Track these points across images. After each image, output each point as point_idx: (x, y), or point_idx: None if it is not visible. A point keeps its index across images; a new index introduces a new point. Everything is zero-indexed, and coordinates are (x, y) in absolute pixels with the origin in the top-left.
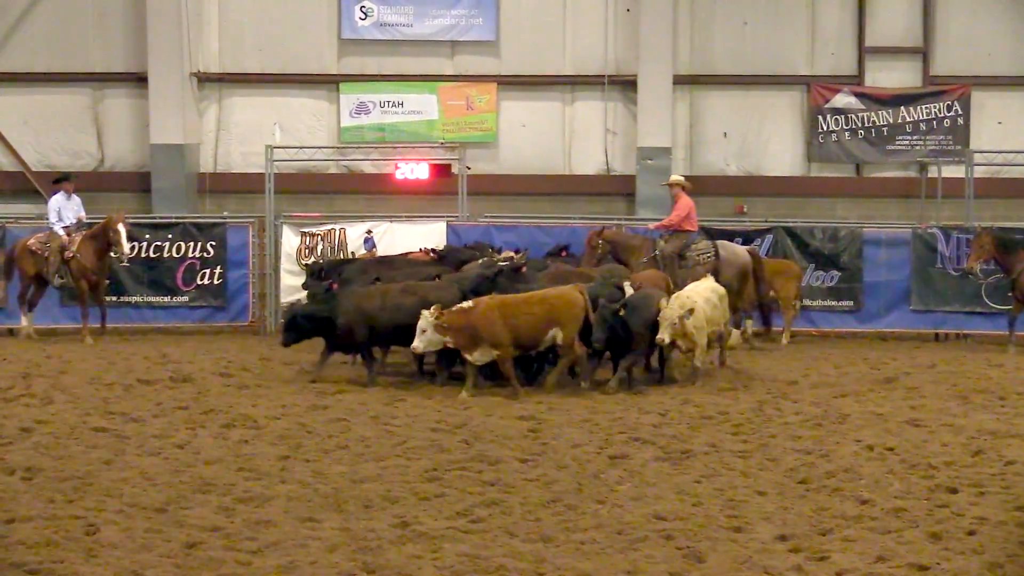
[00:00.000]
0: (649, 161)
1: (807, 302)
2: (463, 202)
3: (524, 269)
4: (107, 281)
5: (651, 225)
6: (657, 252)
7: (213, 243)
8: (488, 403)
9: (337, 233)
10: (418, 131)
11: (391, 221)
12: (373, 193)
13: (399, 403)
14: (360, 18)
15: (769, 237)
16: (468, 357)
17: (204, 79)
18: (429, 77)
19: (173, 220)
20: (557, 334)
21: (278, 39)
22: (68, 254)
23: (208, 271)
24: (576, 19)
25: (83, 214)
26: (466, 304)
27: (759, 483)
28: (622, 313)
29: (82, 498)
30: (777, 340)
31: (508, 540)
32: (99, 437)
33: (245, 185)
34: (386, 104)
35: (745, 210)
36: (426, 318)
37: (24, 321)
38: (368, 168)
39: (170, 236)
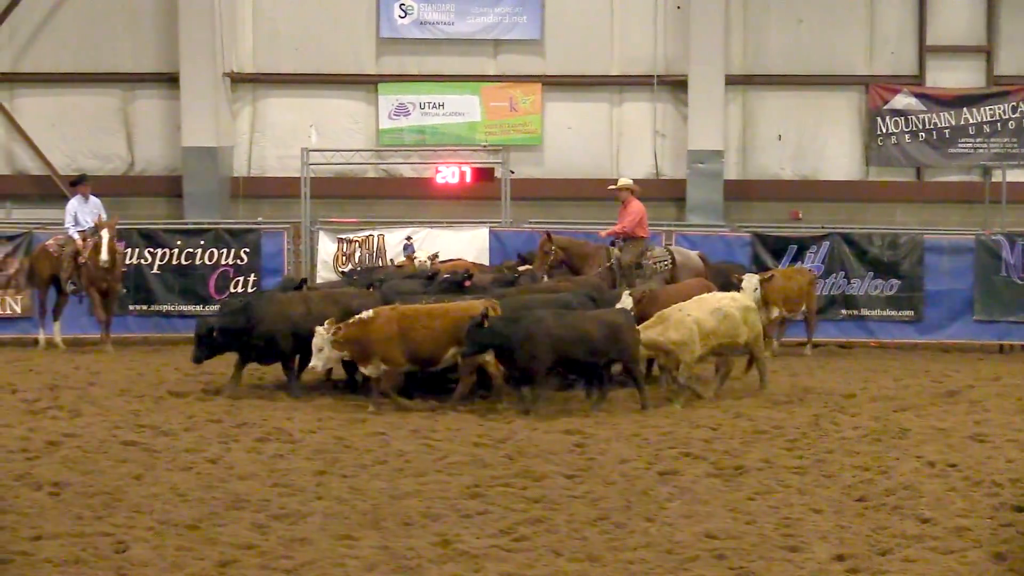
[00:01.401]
0: (700, 165)
1: (865, 311)
2: (506, 207)
3: (468, 283)
4: (122, 289)
5: (602, 232)
6: (613, 261)
7: (247, 250)
8: (532, 417)
9: (375, 239)
10: (459, 133)
11: (431, 227)
12: (413, 198)
13: (440, 416)
14: (399, 16)
15: (826, 244)
16: (362, 369)
17: (238, 79)
18: (471, 77)
19: (205, 226)
20: (459, 352)
21: (314, 38)
22: (80, 259)
23: (242, 279)
24: (624, 16)
25: (104, 217)
26: (366, 314)
27: (815, 501)
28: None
29: (111, 514)
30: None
31: (553, 559)
32: (129, 451)
33: (280, 189)
34: (426, 105)
35: (800, 216)
36: (321, 335)
37: (45, 330)
38: (407, 172)
39: (202, 242)
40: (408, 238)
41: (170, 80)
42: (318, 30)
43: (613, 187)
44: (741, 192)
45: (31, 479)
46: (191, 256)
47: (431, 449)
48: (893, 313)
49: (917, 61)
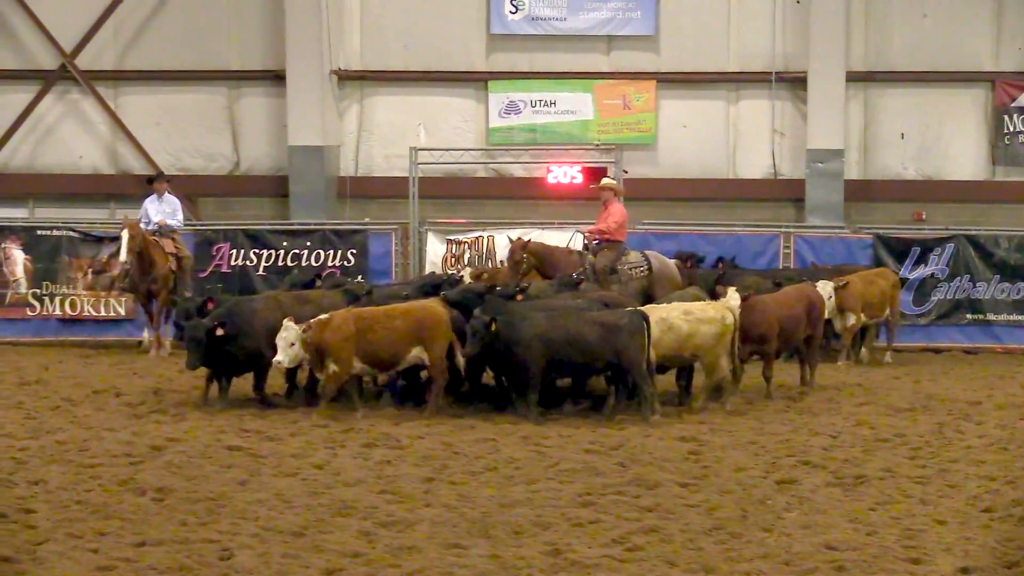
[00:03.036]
0: (820, 164)
1: (991, 316)
2: None
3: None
4: (166, 292)
5: (586, 232)
6: (587, 266)
7: (354, 251)
8: (646, 424)
9: (485, 241)
10: (571, 132)
11: (542, 228)
12: (523, 198)
13: (551, 423)
14: (510, 12)
15: (950, 246)
16: (317, 374)
17: (345, 77)
18: (584, 74)
19: (312, 227)
20: (422, 353)
21: (423, 35)
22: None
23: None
24: (741, 11)
25: (180, 217)
26: (324, 316)
27: (939, 511)
28: (492, 328)
29: (216, 521)
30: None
31: (667, 570)
32: (234, 456)
33: (388, 190)
34: (537, 103)
35: (924, 217)
36: (293, 329)
37: (145, 333)
38: (518, 171)
39: (308, 244)
40: (518, 239)
41: (276, 78)
42: (427, 26)
43: (595, 186)
44: (862, 192)
45: (135, 484)
46: (297, 257)
47: (542, 456)
48: (1020, 318)
49: None
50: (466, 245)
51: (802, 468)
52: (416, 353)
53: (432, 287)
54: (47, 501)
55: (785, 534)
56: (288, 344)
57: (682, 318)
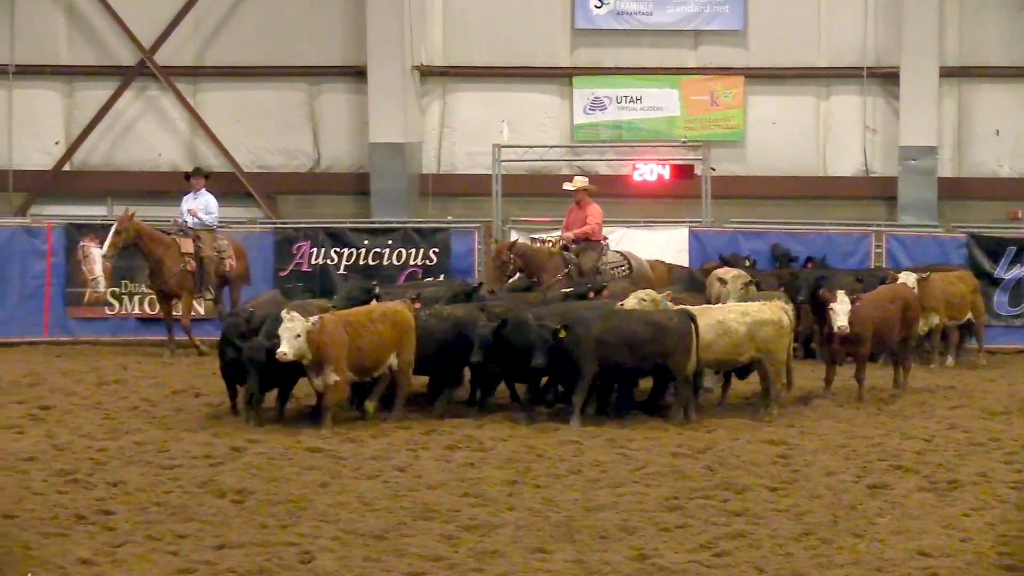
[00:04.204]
0: (912, 162)
1: None
2: (707, 206)
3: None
4: (187, 295)
5: (571, 234)
6: (571, 267)
7: (436, 250)
8: (734, 426)
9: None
10: (658, 129)
11: (628, 227)
12: (608, 196)
13: (637, 425)
14: (595, 6)
15: None
16: (315, 382)
17: (427, 73)
18: (670, 70)
19: (394, 225)
20: (394, 358)
21: (506, 29)
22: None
23: (431, 279)
24: (831, 5)
25: (214, 214)
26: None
27: None
28: (562, 335)
29: (296, 523)
30: None
31: None
32: (314, 458)
33: (470, 187)
34: (623, 99)
35: (1020, 216)
36: (299, 320)
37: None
38: (603, 169)
39: (390, 242)
40: (604, 238)
41: (357, 74)
42: (510, 21)
43: (569, 185)
44: (956, 191)
45: (214, 486)
46: (378, 256)
47: (627, 459)
48: None
49: None
50: (550, 244)
51: (894, 472)
52: (391, 360)
53: (465, 295)
54: (126, 503)
55: (877, 540)
56: (294, 335)
57: (739, 320)
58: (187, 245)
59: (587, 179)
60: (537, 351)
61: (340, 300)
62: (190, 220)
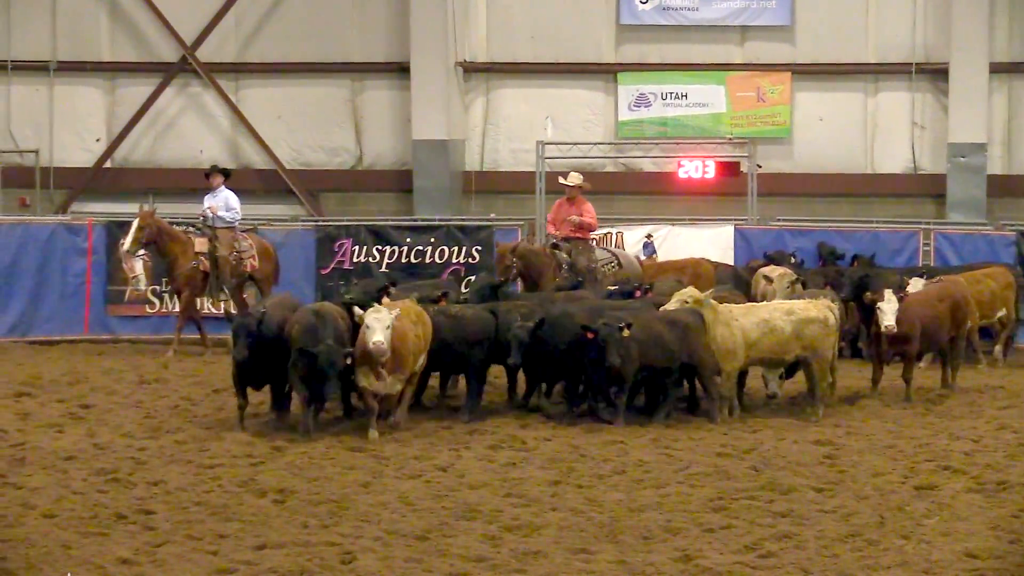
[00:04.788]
0: (961, 159)
1: None
2: (753, 204)
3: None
4: (189, 292)
5: (567, 231)
6: (565, 266)
7: (479, 247)
8: (779, 426)
9: (614, 237)
10: (704, 125)
11: (673, 224)
12: (653, 194)
13: (681, 425)
14: (641, 2)
15: None
16: (368, 383)
17: (470, 69)
18: (716, 66)
19: (436, 222)
20: (423, 359)
21: (550, 25)
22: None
23: (474, 277)
24: (880, 0)
25: (235, 210)
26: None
27: None
28: (626, 334)
29: (337, 523)
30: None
31: None
32: (356, 458)
33: (514, 184)
34: (668, 96)
35: None
36: (386, 311)
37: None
38: (648, 166)
39: (433, 240)
40: (648, 236)
41: (400, 70)
42: (554, 17)
43: (564, 181)
44: (1006, 188)
45: (255, 485)
46: (421, 254)
47: (672, 459)
48: None
49: None
50: (595, 242)
51: (942, 473)
52: (421, 361)
53: (490, 289)
54: (166, 502)
55: (924, 541)
56: (384, 327)
57: (785, 318)
58: (201, 244)
59: (582, 176)
60: (611, 351)
61: (357, 294)
62: (209, 216)
